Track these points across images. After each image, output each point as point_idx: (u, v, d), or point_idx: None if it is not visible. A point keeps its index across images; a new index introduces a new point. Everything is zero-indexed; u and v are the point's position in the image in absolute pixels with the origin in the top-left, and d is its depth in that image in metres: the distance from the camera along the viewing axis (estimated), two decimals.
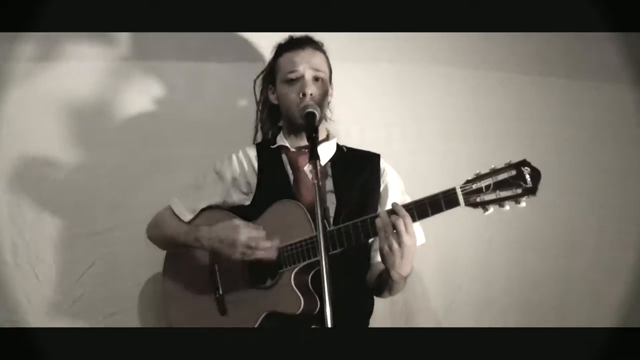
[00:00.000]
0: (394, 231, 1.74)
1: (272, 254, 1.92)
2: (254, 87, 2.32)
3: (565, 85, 2.86)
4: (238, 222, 1.96)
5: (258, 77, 2.32)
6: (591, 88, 2.87)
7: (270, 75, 2.21)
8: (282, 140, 2.17)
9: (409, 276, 1.84)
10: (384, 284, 1.93)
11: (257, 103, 2.33)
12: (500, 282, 2.71)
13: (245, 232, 1.92)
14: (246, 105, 2.47)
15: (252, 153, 2.18)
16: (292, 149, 2.13)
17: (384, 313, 2.53)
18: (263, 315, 1.94)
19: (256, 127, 2.34)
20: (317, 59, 2.11)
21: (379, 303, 2.23)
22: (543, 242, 2.73)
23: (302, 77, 2.07)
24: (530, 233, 2.69)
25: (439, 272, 2.63)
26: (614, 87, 2.87)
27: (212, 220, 2.07)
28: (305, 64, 2.08)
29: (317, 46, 2.14)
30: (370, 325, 2.14)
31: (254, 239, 1.91)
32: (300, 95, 2.05)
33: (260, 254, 1.91)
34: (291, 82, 2.08)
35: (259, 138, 2.33)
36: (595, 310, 2.75)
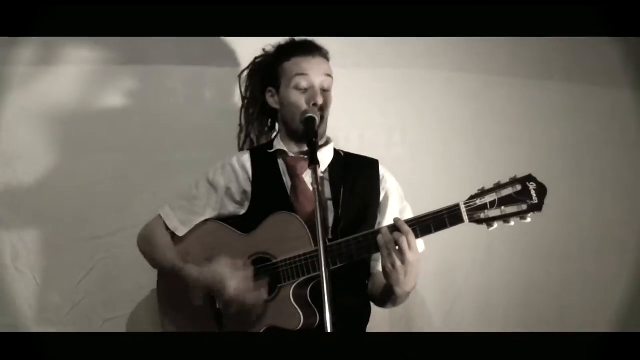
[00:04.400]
0: (397, 248, 1.72)
1: (256, 305, 1.90)
2: (239, 84, 2.24)
3: (566, 90, 2.86)
4: (225, 267, 1.91)
5: (242, 72, 2.23)
6: (591, 92, 2.87)
7: (272, 77, 2.10)
8: (279, 145, 2.09)
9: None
10: (387, 297, 1.92)
11: (243, 99, 2.23)
12: (500, 287, 2.71)
13: (234, 278, 1.88)
14: None
15: (246, 159, 2.09)
16: (291, 154, 2.07)
17: (384, 318, 2.52)
18: (262, 330, 1.91)
19: (240, 126, 2.24)
20: (326, 67, 2.05)
21: (379, 308, 2.22)
22: (543, 246, 2.72)
23: (312, 86, 2.01)
24: (530, 237, 2.68)
25: (439, 276, 2.62)
26: (614, 91, 2.87)
27: (207, 235, 2.05)
28: (317, 73, 2.01)
29: (324, 54, 2.08)
30: (369, 330, 2.13)
31: (242, 286, 1.88)
32: (311, 105, 1.99)
33: (246, 302, 1.89)
34: (301, 90, 2.01)
35: (242, 137, 2.26)
36: (595, 314, 2.74)
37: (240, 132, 2.26)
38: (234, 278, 1.88)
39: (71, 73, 2.46)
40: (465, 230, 2.55)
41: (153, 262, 2.11)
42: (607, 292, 2.78)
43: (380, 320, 2.49)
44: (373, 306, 2.11)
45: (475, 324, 2.65)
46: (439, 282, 2.64)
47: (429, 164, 2.69)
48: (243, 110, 2.24)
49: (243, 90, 2.23)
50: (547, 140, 2.79)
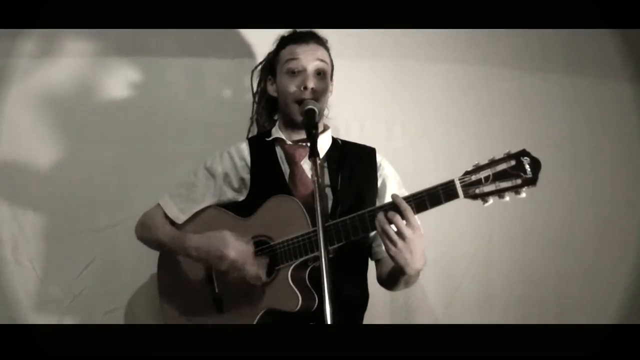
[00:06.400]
0: (395, 229, 1.70)
1: (256, 281, 1.89)
2: (251, 78, 2.27)
3: (566, 82, 2.85)
4: (227, 234, 1.91)
5: (256, 67, 2.26)
6: (591, 85, 2.87)
7: (271, 66, 2.15)
8: (277, 133, 2.10)
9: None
10: (398, 280, 1.90)
11: (254, 94, 2.26)
12: (500, 279, 2.71)
13: (235, 246, 1.88)
14: (246, 101, 2.47)
15: (244, 147, 2.11)
16: (289, 142, 2.08)
17: (384, 309, 2.53)
18: (261, 313, 1.92)
19: (252, 119, 2.28)
20: (321, 53, 2.06)
21: (379, 300, 2.22)
22: (543, 239, 2.72)
23: (304, 70, 2.02)
24: (530, 230, 2.69)
25: (439, 268, 2.62)
26: (613, 84, 2.87)
27: (207, 219, 2.06)
28: (309, 57, 2.03)
29: (321, 42, 2.10)
30: (369, 322, 2.13)
31: (242, 255, 1.87)
32: (302, 88, 2.00)
33: (246, 274, 1.88)
34: (293, 74, 2.03)
35: (254, 131, 2.28)
36: (595, 307, 2.75)
37: (251, 124, 2.28)
38: (235, 244, 1.88)
39: (72, 65, 2.47)
40: (466, 221, 2.59)
41: (152, 242, 2.11)
42: (608, 284, 2.78)
43: (381, 312, 2.50)
44: (374, 297, 2.12)
45: (475, 316, 2.65)
46: (439, 274, 2.64)
47: (429, 156, 2.69)
48: (255, 104, 2.27)
49: (254, 84, 2.26)
50: (547, 132, 2.78)
